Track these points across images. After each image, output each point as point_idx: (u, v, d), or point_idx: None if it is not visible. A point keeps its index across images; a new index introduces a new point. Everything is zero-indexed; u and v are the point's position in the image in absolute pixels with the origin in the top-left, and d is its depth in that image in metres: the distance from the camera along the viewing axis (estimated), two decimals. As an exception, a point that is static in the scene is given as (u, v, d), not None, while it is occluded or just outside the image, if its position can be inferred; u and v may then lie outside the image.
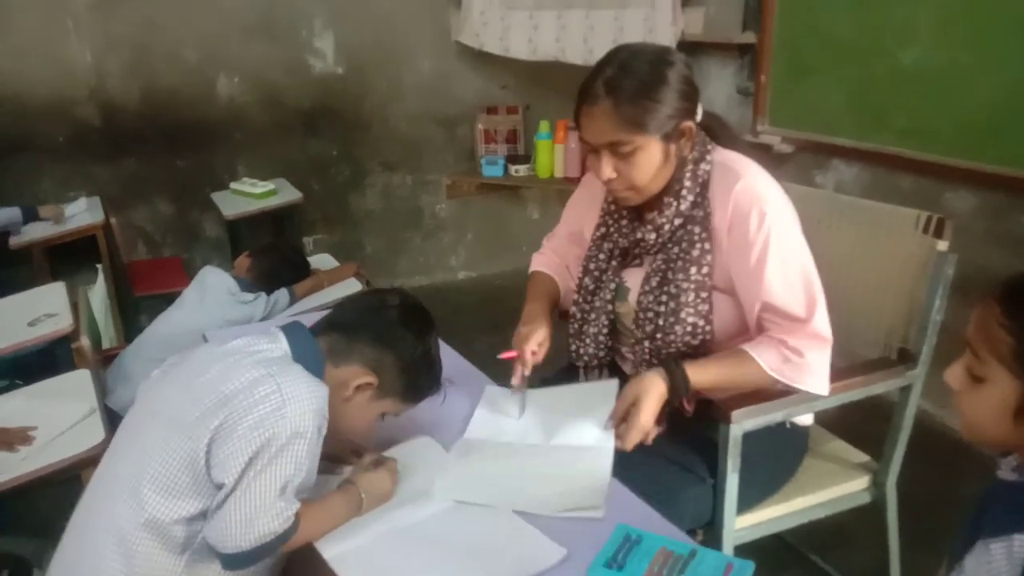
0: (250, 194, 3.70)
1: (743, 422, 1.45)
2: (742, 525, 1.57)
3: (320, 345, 1.29)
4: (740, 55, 3.58)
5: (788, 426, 1.60)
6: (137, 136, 3.80)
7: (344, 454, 1.40)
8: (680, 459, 1.51)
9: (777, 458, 1.62)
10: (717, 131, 1.54)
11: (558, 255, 1.78)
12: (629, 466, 1.33)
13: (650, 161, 1.42)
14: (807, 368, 1.43)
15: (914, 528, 1.81)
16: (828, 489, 1.69)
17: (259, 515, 1.12)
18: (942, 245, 1.58)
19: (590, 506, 1.22)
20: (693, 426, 1.50)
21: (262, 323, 1.38)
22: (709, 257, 1.46)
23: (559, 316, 1.72)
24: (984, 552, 0.94)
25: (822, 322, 1.43)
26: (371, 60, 4.13)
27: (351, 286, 2.85)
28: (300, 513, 1.17)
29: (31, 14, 3.49)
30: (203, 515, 1.16)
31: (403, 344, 1.30)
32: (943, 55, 2.70)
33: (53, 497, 2.10)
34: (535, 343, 1.54)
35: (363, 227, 4.40)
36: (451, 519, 1.23)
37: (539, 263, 1.80)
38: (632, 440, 1.36)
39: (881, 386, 1.64)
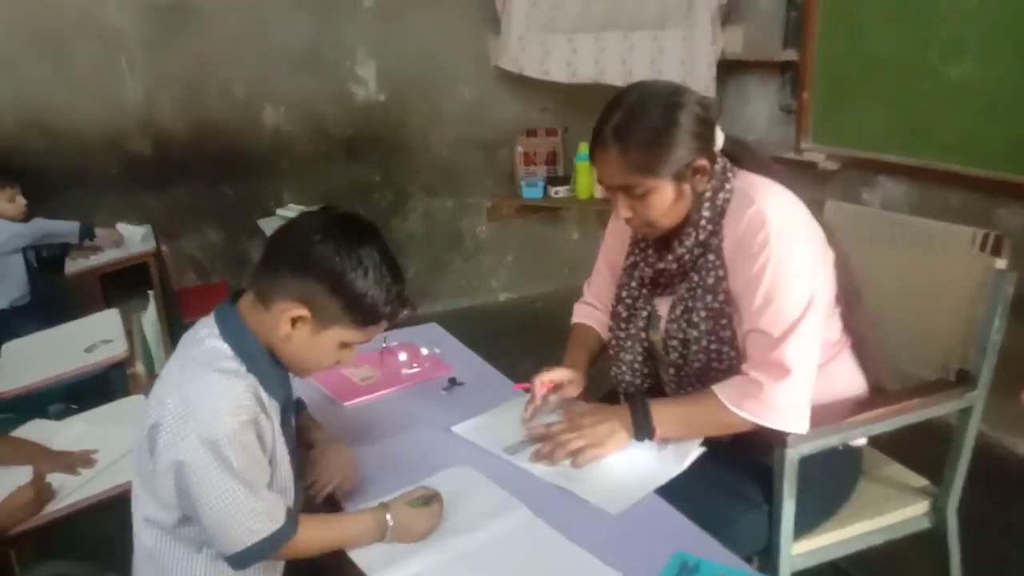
0: (296, 220, 3.76)
1: (799, 446, 1.43)
2: (798, 552, 1.54)
3: (250, 297, 1.23)
4: (781, 73, 3.56)
5: (841, 447, 1.57)
6: (187, 166, 3.90)
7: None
8: (733, 485, 1.49)
9: (832, 481, 1.59)
10: (741, 156, 1.52)
11: (600, 301, 1.78)
12: (683, 493, 1.32)
13: (663, 201, 1.43)
14: (768, 403, 1.37)
15: (975, 555, 1.75)
16: (886, 514, 1.65)
17: (236, 519, 1.12)
18: (1000, 263, 1.54)
19: (609, 504, 1.28)
20: (746, 450, 1.48)
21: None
22: (724, 284, 1.45)
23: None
24: None
25: (792, 353, 1.36)
26: (412, 87, 4.19)
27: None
28: (312, 523, 1.20)
29: (89, 53, 3.63)
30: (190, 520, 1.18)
31: (324, 263, 1.16)
32: (992, 69, 2.65)
33: (110, 520, 2.15)
34: (549, 376, 1.57)
35: (405, 250, 4.44)
36: (504, 546, 1.22)
37: (579, 314, 1.82)
38: (558, 456, 1.41)
39: (939, 408, 1.60)
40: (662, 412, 1.46)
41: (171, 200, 3.93)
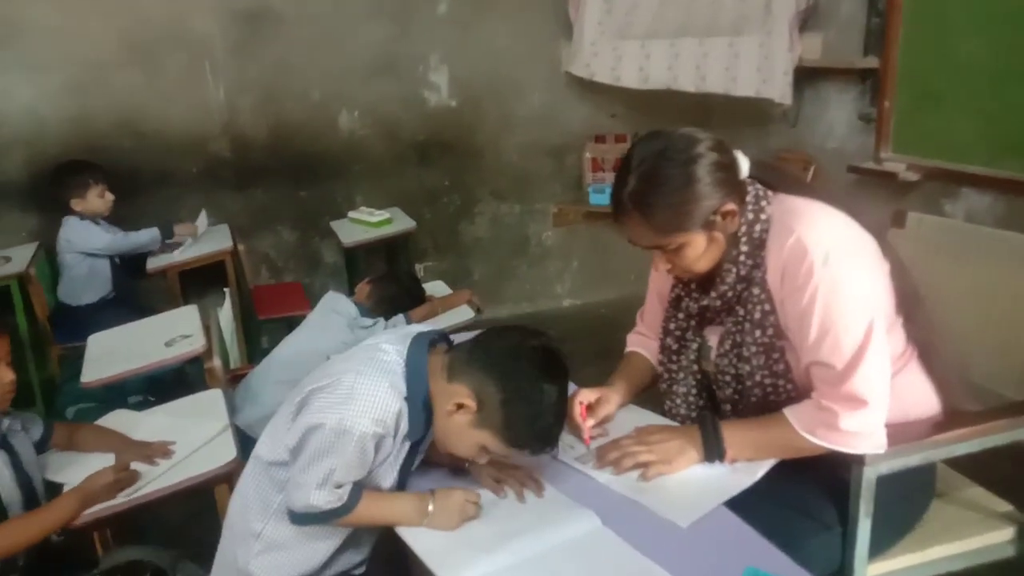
0: (367, 223, 3.84)
1: (878, 464, 1.38)
2: (874, 574, 1.49)
3: (443, 358, 1.35)
4: (861, 80, 3.46)
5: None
6: (264, 168, 4.01)
7: (489, 484, 1.41)
8: (804, 504, 1.45)
9: (904, 499, 1.53)
10: (773, 180, 1.47)
11: (652, 330, 1.74)
12: (752, 511, 1.29)
13: (697, 251, 1.40)
14: (843, 432, 1.34)
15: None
16: (967, 539, 1.58)
17: (309, 492, 1.28)
18: (1095, 281, 1.47)
19: (679, 516, 1.28)
20: (818, 467, 1.44)
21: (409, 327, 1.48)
22: (772, 318, 1.41)
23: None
24: None
25: (864, 382, 1.32)
26: (483, 93, 4.23)
27: (463, 313, 2.90)
28: (364, 497, 1.32)
29: (175, 59, 3.79)
30: (286, 465, 1.34)
31: (511, 380, 1.29)
32: (1089, 77, 2.54)
33: (183, 508, 2.22)
34: (580, 405, 1.55)
35: (472, 254, 4.48)
36: (572, 553, 1.22)
37: (632, 343, 1.80)
38: (625, 464, 1.41)
39: (1026, 431, 1.53)
40: (733, 434, 1.43)
41: (248, 200, 4.05)
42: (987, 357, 1.65)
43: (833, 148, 3.62)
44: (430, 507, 1.31)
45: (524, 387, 1.29)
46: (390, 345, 1.37)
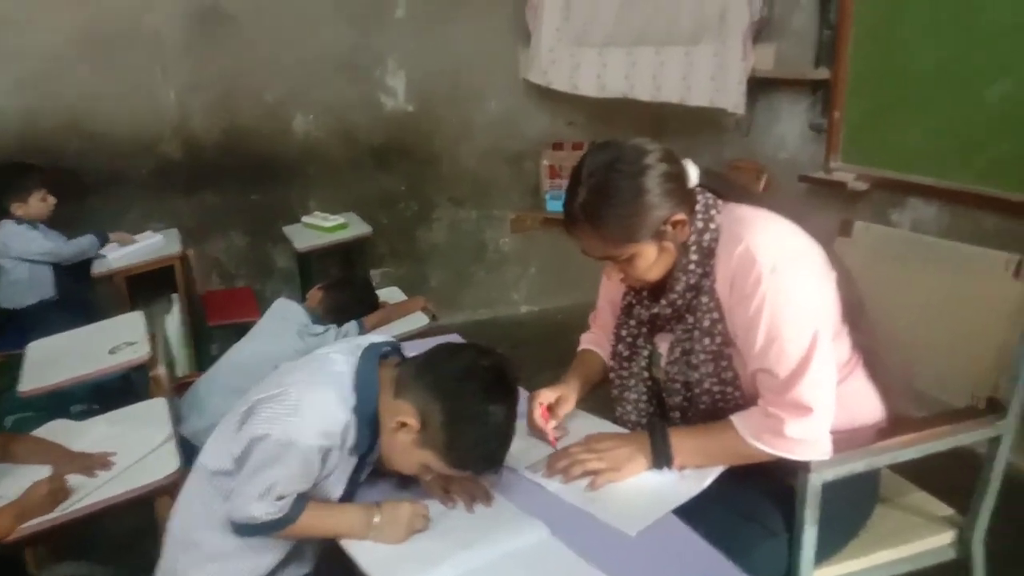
0: (321, 228, 3.79)
1: (823, 471, 1.40)
2: (819, 579, 1.51)
3: (392, 372, 1.33)
4: (812, 91, 3.52)
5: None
6: (216, 171, 3.94)
7: (437, 491, 1.39)
8: (751, 511, 1.46)
9: (849, 505, 1.54)
10: (722, 190, 1.49)
11: (605, 331, 1.75)
12: (700, 519, 1.30)
13: (648, 261, 1.42)
14: (789, 439, 1.35)
15: (1003, 589, 1.71)
16: (910, 543, 1.60)
17: (249, 503, 1.25)
18: (1034, 290, 1.51)
19: (627, 524, 1.28)
20: (765, 474, 1.45)
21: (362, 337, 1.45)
22: (721, 326, 1.43)
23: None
24: None
25: (807, 390, 1.34)
26: (441, 98, 4.21)
27: (418, 320, 2.88)
28: (307, 508, 1.29)
29: (125, 58, 3.69)
30: (230, 474, 1.31)
31: (456, 401, 1.27)
32: (1032, 92, 2.61)
33: (126, 522, 2.16)
34: (539, 405, 1.56)
35: (429, 261, 4.45)
36: (519, 564, 1.21)
37: (585, 341, 1.81)
38: (574, 472, 1.40)
39: (968, 436, 1.56)
40: (681, 441, 1.43)
41: (199, 204, 3.97)
42: (930, 364, 1.68)
43: (785, 158, 3.68)
44: (376, 519, 1.29)
45: (469, 409, 1.27)
46: (340, 355, 1.35)
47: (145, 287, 3.51)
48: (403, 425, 1.29)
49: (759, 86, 3.69)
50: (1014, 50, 2.65)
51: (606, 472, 1.40)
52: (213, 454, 1.37)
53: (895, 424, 1.54)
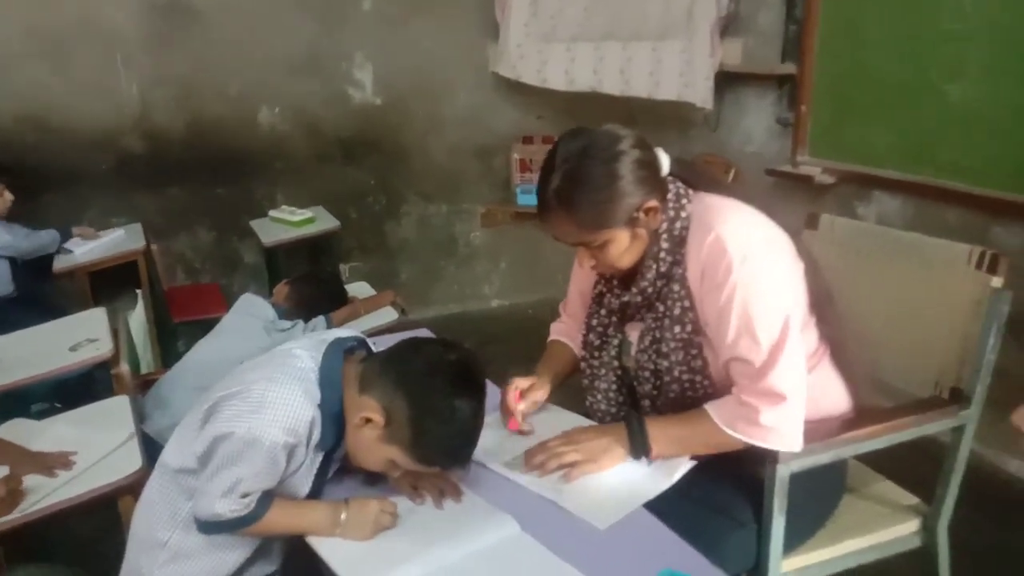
0: (288, 222, 3.74)
1: (790, 463, 1.41)
2: (788, 569, 1.52)
3: (356, 368, 1.32)
4: (779, 86, 3.55)
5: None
6: (180, 165, 3.88)
7: (406, 488, 1.38)
8: (720, 503, 1.47)
9: (816, 495, 1.56)
10: (692, 179, 1.49)
11: (575, 320, 1.76)
12: (669, 512, 1.30)
13: (620, 247, 1.42)
14: (763, 427, 1.36)
15: (965, 575, 1.74)
16: (877, 532, 1.63)
17: (213, 501, 1.23)
18: (996, 281, 1.53)
19: (597, 518, 1.28)
20: (733, 465, 1.46)
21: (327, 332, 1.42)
22: (691, 314, 1.43)
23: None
24: None
25: (782, 378, 1.35)
26: (409, 91, 4.18)
27: (387, 314, 2.85)
28: (273, 504, 1.27)
29: (85, 51, 3.62)
30: (193, 472, 1.30)
31: (422, 396, 1.25)
32: (993, 89, 2.65)
33: (89, 524, 2.12)
34: (514, 392, 1.57)
35: (398, 255, 4.43)
36: (489, 560, 1.20)
37: (555, 331, 1.81)
38: (550, 466, 1.40)
39: (932, 426, 1.58)
40: (657, 431, 1.44)
41: (163, 199, 3.91)
42: (895, 355, 1.70)
43: (752, 152, 3.70)
44: (343, 516, 1.27)
45: (435, 404, 1.25)
46: (304, 351, 1.33)
47: (108, 283, 3.45)
48: (368, 421, 1.27)
49: (726, 81, 3.71)
50: (974, 50, 2.70)
51: (583, 463, 1.40)
52: (175, 452, 1.34)
53: (861, 415, 1.56)
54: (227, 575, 1.36)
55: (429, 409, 1.25)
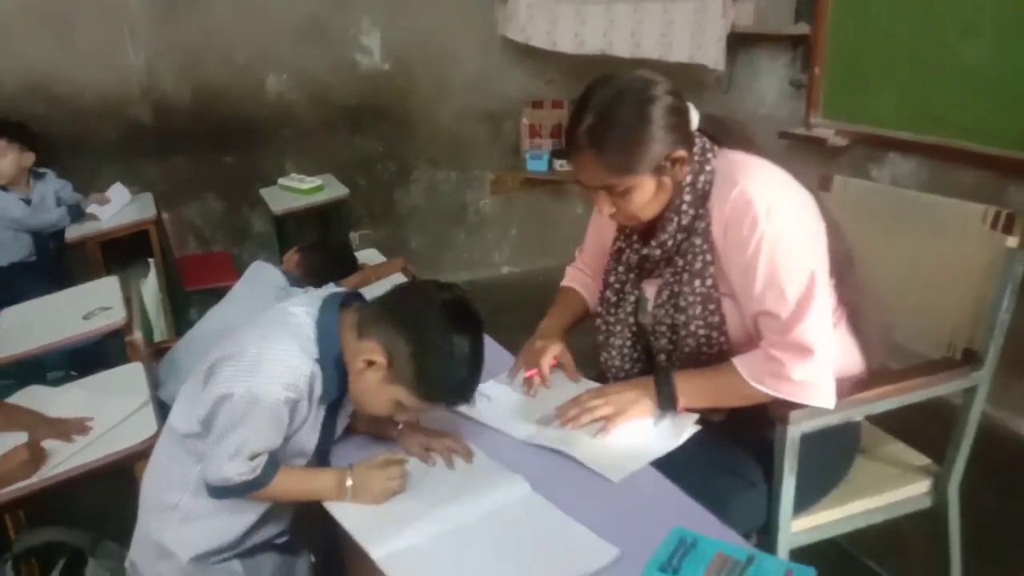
0: (298, 190, 3.74)
1: (801, 423, 1.41)
2: (798, 529, 1.53)
3: (352, 316, 1.31)
4: (792, 47, 3.50)
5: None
6: (188, 134, 3.87)
7: (420, 453, 1.39)
8: (730, 463, 1.48)
9: (829, 457, 1.57)
10: (719, 135, 1.48)
11: (590, 268, 1.77)
12: (680, 472, 1.30)
13: (645, 195, 1.40)
14: (792, 381, 1.36)
15: (975, 536, 1.75)
16: (887, 492, 1.63)
17: (221, 464, 1.24)
18: (1012, 241, 1.51)
19: (610, 471, 1.30)
20: (744, 427, 1.47)
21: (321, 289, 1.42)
22: (712, 268, 1.43)
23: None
24: None
25: (810, 331, 1.35)
26: (417, 56, 4.14)
27: (397, 281, 2.85)
28: (280, 471, 1.28)
29: (91, 20, 3.59)
30: (199, 436, 1.31)
31: (422, 332, 1.25)
32: (1008, 50, 2.60)
33: (106, 489, 2.15)
34: (551, 357, 1.57)
35: (408, 223, 4.42)
36: (501, 520, 1.21)
37: (569, 277, 1.82)
38: (583, 421, 1.42)
39: (944, 387, 1.58)
40: (686, 383, 1.45)
41: (172, 168, 3.90)
42: (908, 316, 1.69)
43: (765, 114, 3.66)
44: (349, 482, 1.27)
45: (435, 339, 1.25)
46: (299, 308, 1.32)
47: (120, 253, 3.47)
48: (370, 364, 1.27)
49: (739, 42, 3.65)
50: (988, 10, 2.64)
51: (615, 417, 1.42)
52: (182, 416, 1.35)
53: (873, 376, 1.56)
54: (238, 536, 1.37)
55: (429, 344, 1.25)
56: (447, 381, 1.28)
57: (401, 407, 1.31)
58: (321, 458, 1.39)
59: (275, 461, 1.29)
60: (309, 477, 1.33)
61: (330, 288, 1.42)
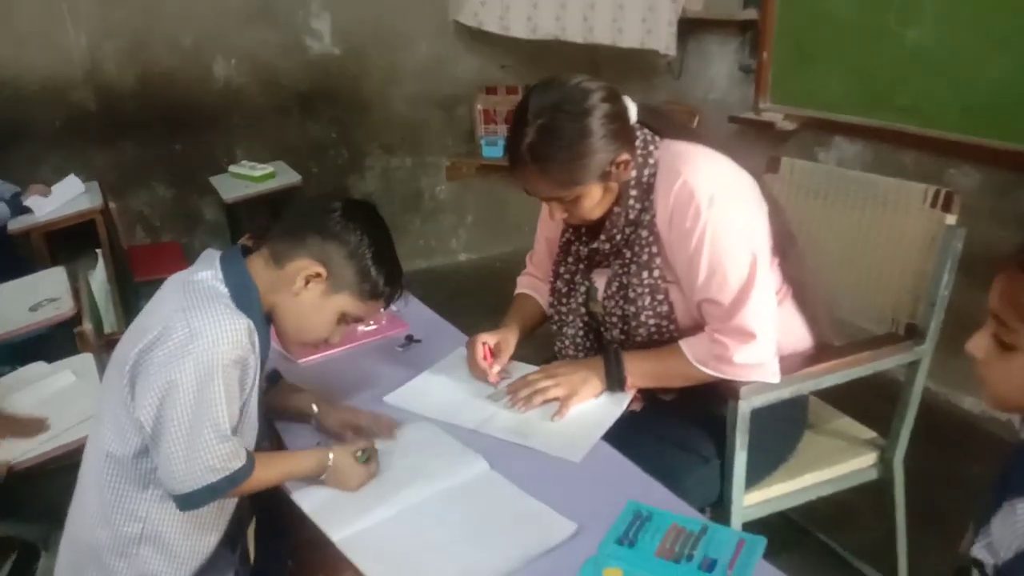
0: (249, 177, 3.68)
1: (751, 398, 1.45)
2: (750, 502, 1.57)
3: (263, 255, 1.27)
4: (741, 32, 3.55)
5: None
6: (134, 120, 3.77)
7: (343, 431, 1.39)
8: (684, 440, 1.51)
9: (779, 432, 1.62)
10: (658, 126, 1.50)
11: (541, 271, 1.78)
12: (635, 448, 1.33)
13: (593, 200, 1.43)
14: (735, 363, 1.41)
15: (919, 507, 1.81)
16: (835, 465, 1.69)
17: (193, 452, 1.14)
18: (951, 219, 1.57)
19: (570, 452, 1.31)
20: (696, 404, 1.50)
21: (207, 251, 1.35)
22: (658, 259, 1.46)
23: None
24: (1010, 513, 0.94)
25: (752, 316, 1.39)
26: (369, 41, 4.09)
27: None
28: (258, 460, 1.21)
29: (28, 1, 3.46)
30: (146, 453, 1.20)
31: (347, 233, 1.25)
32: (948, 34, 2.68)
33: (60, 483, 2.10)
34: (485, 344, 1.57)
35: (363, 210, 4.37)
36: (459, 498, 1.23)
37: (522, 284, 1.82)
38: (536, 401, 1.44)
39: (889, 361, 1.64)
40: (634, 363, 1.48)
41: (118, 155, 3.80)
42: (853, 293, 1.74)
43: (715, 99, 3.71)
44: (330, 461, 1.25)
45: (360, 236, 1.26)
46: (201, 272, 1.23)
47: (66, 243, 3.37)
48: (310, 279, 1.24)
49: (689, 28, 3.69)
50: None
51: (567, 398, 1.44)
52: (115, 439, 1.21)
53: (820, 352, 1.60)
54: (208, 556, 1.30)
55: (359, 242, 1.26)
56: (385, 271, 1.28)
57: (344, 319, 1.29)
58: (269, 429, 1.36)
59: (249, 452, 1.22)
60: (288, 460, 1.29)
61: (212, 251, 1.31)
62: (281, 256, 1.25)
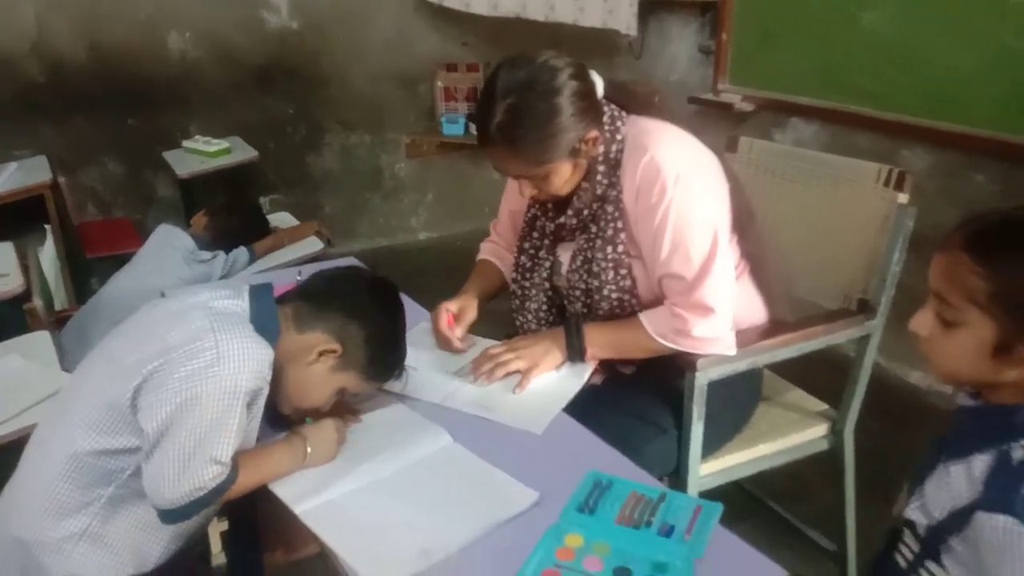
0: (203, 152, 3.61)
1: (708, 370, 1.48)
2: (707, 471, 1.61)
3: (286, 311, 1.28)
4: (702, 13, 3.57)
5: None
6: (85, 93, 3.67)
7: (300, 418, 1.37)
8: (642, 411, 1.54)
9: (734, 403, 1.65)
10: (625, 101, 1.51)
11: (504, 239, 1.80)
12: (596, 420, 1.35)
13: (562, 177, 1.44)
14: (694, 337, 1.44)
15: (868, 477, 1.87)
16: (789, 436, 1.73)
17: (188, 472, 1.13)
18: (902, 198, 1.61)
19: (532, 425, 1.33)
20: (655, 377, 1.53)
21: (234, 279, 1.35)
22: (623, 235, 1.48)
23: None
24: (944, 475, 0.98)
25: (711, 291, 1.42)
26: (327, 15, 4.03)
27: (311, 244, 2.82)
28: (239, 463, 1.19)
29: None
30: (122, 453, 1.18)
31: (370, 316, 1.29)
32: (905, 20, 2.73)
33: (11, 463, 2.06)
34: (451, 305, 1.60)
35: (321, 188, 4.33)
36: (423, 470, 1.24)
37: (484, 251, 1.83)
38: (498, 375, 1.46)
39: (841, 335, 1.68)
40: (594, 335, 1.50)
41: (69, 130, 3.70)
42: (807, 270, 1.78)
43: (676, 80, 3.73)
44: (309, 448, 1.25)
45: (383, 322, 1.30)
46: (228, 300, 1.24)
47: (13, 219, 3.28)
48: (322, 354, 1.26)
49: (650, 8, 3.70)
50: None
51: (529, 371, 1.46)
52: (87, 433, 1.17)
53: (775, 326, 1.64)
54: (157, 559, 1.26)
55: (380, 327, 1.30)
56: (394, 358, 1.34)
57: (341, 394, 1.31)
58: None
59: (233, 458, 1.19)
60: (268, 456, 1.25)
61: (244, 277, 1.35)
62: (303, 321, 1.27)
